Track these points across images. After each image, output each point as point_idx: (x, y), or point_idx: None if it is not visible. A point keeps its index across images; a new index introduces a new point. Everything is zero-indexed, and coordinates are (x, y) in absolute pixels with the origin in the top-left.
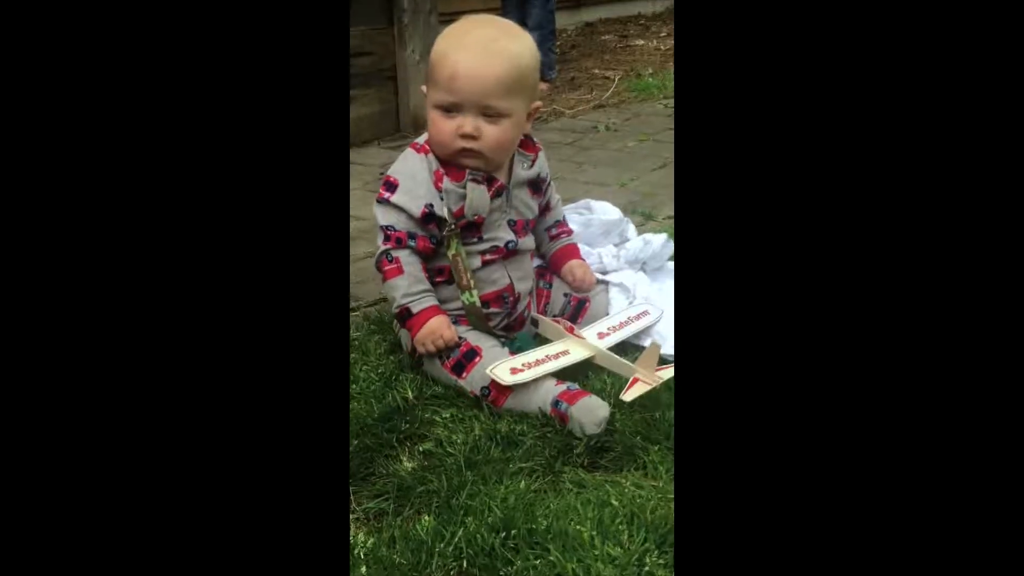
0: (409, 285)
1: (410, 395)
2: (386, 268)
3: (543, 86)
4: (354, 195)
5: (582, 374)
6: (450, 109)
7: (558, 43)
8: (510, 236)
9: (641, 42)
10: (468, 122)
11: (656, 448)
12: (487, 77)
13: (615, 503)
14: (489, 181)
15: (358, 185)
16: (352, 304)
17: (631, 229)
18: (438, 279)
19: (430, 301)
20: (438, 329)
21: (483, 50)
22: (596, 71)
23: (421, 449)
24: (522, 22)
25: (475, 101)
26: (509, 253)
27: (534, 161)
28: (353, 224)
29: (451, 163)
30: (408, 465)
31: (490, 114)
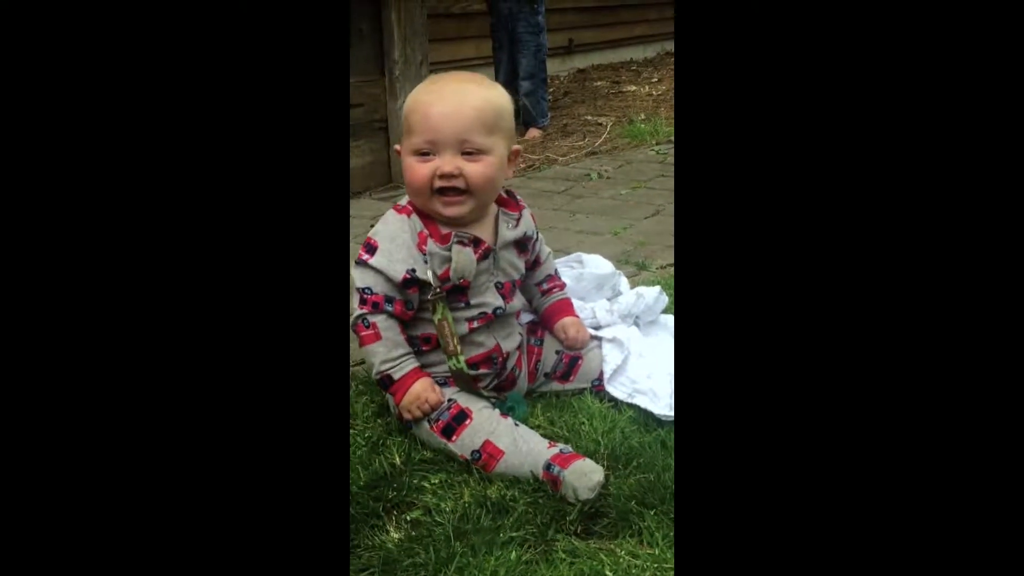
0: (388, 351)
1: (398, 460)
2: (363, 333)
3: (536, 134)
4: None
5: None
6: (427, 152)
7: (550, 90)
8: (498, 302)
9: (633, 88)
10: (447, 161)
11: (652, 513)
12: (463, 113)
13: (609, 574)
14: (475, 243)
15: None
16: None
17: (624, 282)
18: (424, 347)
19: (411, 364)
20: (423, 393)
21: (456, 91)
22: (588, 117)
23: (408, 518)
24: (513, 70)
25: (453, 137)
26: (496, 319)
27: (518, 220)
28: None
29: (433, 219)
30: (395, 535)
31: (469, 151)
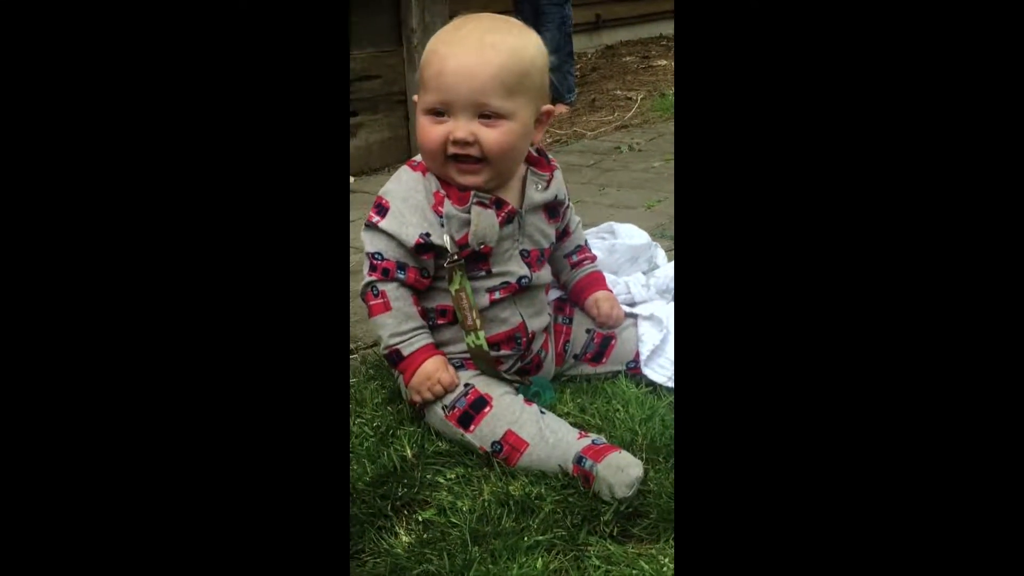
0: (398, 323)
1: (409, 453)
2: (371, 303)
3: (563, 109)
4: (357, 226)
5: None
6: (440, 112)
7: (578, 66)
8: (523, 271)
9: (664, 62)
10: (460, 126)
11: None
12: (481, 72)
13: None
14: (498, 205)
15: (363, 215)
16: (350, 346)
17: (660, 255)
18: (440, 320)
19: (424, 340)
20: (434, 373)
21: (477, 43)
22: (618, 92)
23: (420, 518)
24: None
25: (468, 100)
26: (521, 289)
27: (549, 182)
28: (353, 257)
29: (449, 181)
30: (405, 539)
31: (487, 115)
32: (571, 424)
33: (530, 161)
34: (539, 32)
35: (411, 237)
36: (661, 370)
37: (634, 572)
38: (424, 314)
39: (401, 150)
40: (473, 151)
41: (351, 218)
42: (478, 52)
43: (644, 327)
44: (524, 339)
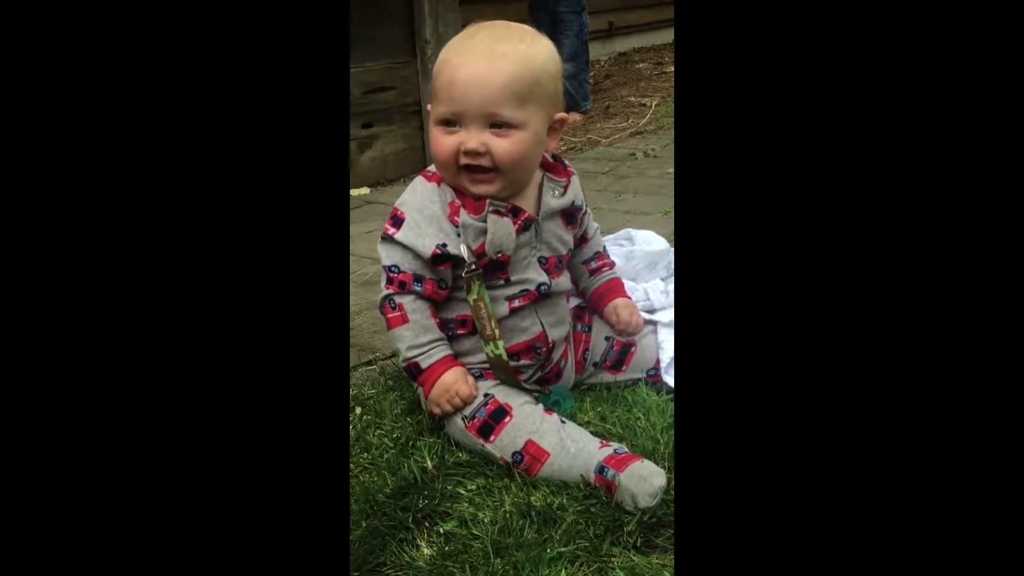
0: (415, 336)
1: (429, 464)
2: (389, 316)
3: (577, 117)
4: (374, 237)
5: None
6: (452, 122)
7: (591, 74)
8: (542, 278)
9: None
10: (472, 136)
11: None
12: (491, 82)
13: None
14: (514, 212)
15: (380, 227)
16: (368, 357)
17: None
18: (460, 331)
19: (442, 352)
20: (453, 385)
21: (487, 51)
22: (632, 99)
23: (442, 530)
24: None
25: (479, 110)
26: (541, 297)
27: (566, 188)
28: (372, 268)
29: (462, 191)
30: (426, 552)
31: (498, 125)
32: (592, 433)
33: (546, 167)
34: (557, 40)
35: (427, 248)
36: None
37: None
38: (443, 325)
39: (416, 161)
40: (484, 161)
41: (368, 229)
42: (488, 61)
43: (664, 334)
44: (544, 349)
